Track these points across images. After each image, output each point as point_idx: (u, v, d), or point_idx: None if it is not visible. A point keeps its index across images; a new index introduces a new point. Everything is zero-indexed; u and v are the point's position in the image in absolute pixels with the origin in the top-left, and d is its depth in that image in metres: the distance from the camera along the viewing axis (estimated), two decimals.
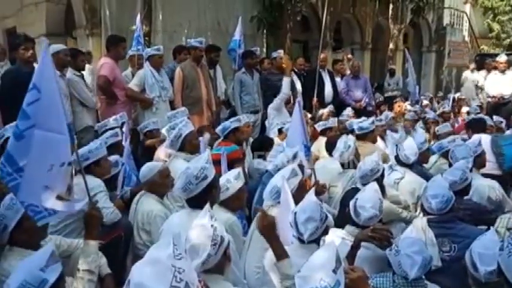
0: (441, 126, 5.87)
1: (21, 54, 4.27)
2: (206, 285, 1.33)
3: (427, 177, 3.73)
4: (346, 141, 4.01)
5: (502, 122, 6.22)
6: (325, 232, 2.37)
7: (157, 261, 1.23)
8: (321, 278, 1.66)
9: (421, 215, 2.89)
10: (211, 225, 1.90)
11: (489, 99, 8.63)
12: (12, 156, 2.37)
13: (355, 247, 2.38)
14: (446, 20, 14.00)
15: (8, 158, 2.37)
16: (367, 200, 2.56)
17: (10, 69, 4.52)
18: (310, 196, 2.44)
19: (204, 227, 1.89)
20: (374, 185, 2.72)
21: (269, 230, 2.17)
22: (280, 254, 2.12)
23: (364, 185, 3.18)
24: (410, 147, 3.98)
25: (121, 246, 3.09)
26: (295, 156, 3.46)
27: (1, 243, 2.36)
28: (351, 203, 2.62)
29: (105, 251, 2.62)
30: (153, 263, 1.22)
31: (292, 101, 6.52)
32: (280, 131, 5.27)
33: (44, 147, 2.31)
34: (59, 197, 2.37)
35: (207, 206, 2.08)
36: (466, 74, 10.76)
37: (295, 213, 2.35)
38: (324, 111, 6.57)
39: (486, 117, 5.67)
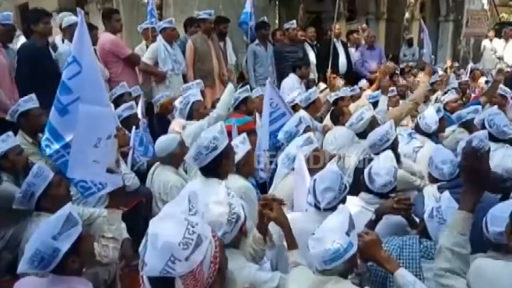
0: (447, 95, 5.75)
1: (41, 28, 4.31)
2: (220, 239, 1.37)
3: None
4: (361, 113, 3.99)
5: None
6: (343, 202, 2.37)
7: (171, 215, 1.28)
8: (333, 239, 1.70)
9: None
10: (228, 202, 1.91)
11: (508, 69, 8.42)
12: (58, 131, 2.41)
13: (378, 220, 2.34)
14: None
15: (53, 133, 2.42)
16: (382, 167, 2.57)
17: (25, 43, 4.57)
18: (332, 166, 2.45)
19: (220, 204, 1.90)
20: (389, 153, 2.73)
21: (281, 221, 2.13)
22: (291, 244, 2.12)
23: (375, 154, 3.19)
24: (431, 116, 3.96)
25: (142, 212, 3.18)
26: (301, 121, 3.49)
27: (29, 208, 2.46)
28: (366, 171, 2.63)
29: (127, 218, 2.69)
30: (167, 216, 1.28)
31: (307, 74, 6.45)
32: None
33: (90, 122, 2.32)
34: (109, 170, 2.41)
35: (224, 182, 2.08)
36: (485, 43, 10.46)
37: (315, 180, 2.37)
38: (340, 84, 6.48)
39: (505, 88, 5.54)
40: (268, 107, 3.98)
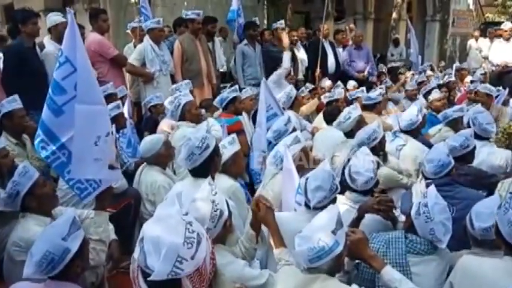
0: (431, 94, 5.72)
1: (30, 28, 4.25)
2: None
3: (429, 144, 3.75)
4: (348, 112, 4.01)
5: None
6: (333, 202, 2.37)
7: (168, 216, 1.28)
8: (319, 238, 1.70)
9: (421, 180, 2.92)
10: (212, 200, 1.91)
11: (493, 68, 8.53)
12: (53, 132, 2.39)
13: (360, 218, 2.37)
14: None
15: (48, 135, 2.39)
16: (361, 165, 2.57)
17: (13, 44, 4.50)
18: (325, 166, 2.45)
19: (203, 201, 1.91)
20: (365, 149, 2.72)
21: (268, 220, 2.16)
22: (277, 242, 2.14)
23: None
24: (411, 115, 3.98)
25: (130, 214, 3.16)
26: (290, 120, 3.52)
27: (14, 209, 2.42)
28: (346, 171, 2.64)
29: (115, 220, 2.67)
30: (164, 218, 1.28)
31: (292, 73, 6.48)
32: None
33: (89, 121, 2.32)
34: (110, 166, 2.44)
35: (209, 179, 2.10)
36: (471, 42, 10.61)
37: (307, 179, 2.38)
38: (326, 85, 6.53)
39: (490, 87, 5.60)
40: (264, 106, 3.97)
